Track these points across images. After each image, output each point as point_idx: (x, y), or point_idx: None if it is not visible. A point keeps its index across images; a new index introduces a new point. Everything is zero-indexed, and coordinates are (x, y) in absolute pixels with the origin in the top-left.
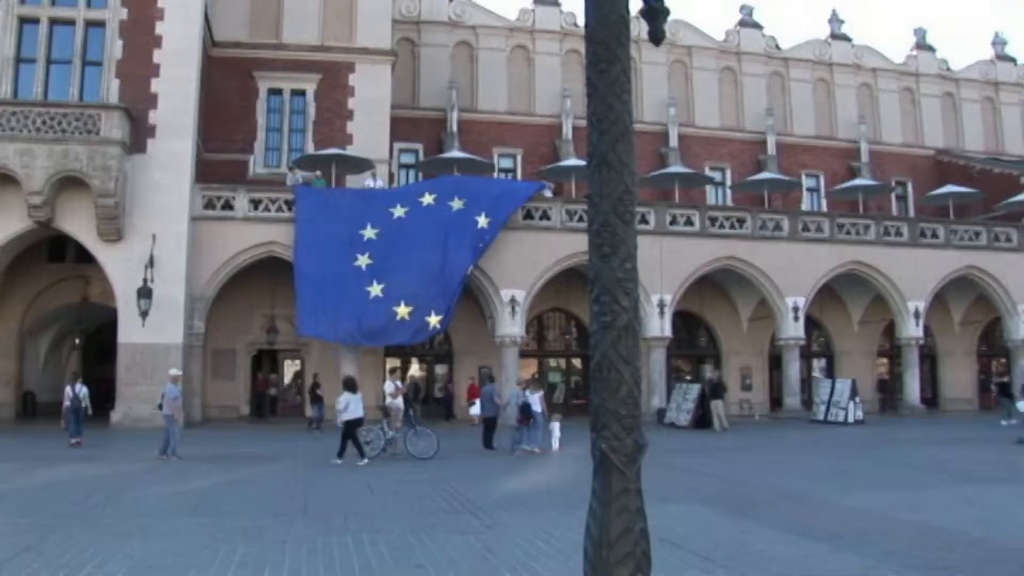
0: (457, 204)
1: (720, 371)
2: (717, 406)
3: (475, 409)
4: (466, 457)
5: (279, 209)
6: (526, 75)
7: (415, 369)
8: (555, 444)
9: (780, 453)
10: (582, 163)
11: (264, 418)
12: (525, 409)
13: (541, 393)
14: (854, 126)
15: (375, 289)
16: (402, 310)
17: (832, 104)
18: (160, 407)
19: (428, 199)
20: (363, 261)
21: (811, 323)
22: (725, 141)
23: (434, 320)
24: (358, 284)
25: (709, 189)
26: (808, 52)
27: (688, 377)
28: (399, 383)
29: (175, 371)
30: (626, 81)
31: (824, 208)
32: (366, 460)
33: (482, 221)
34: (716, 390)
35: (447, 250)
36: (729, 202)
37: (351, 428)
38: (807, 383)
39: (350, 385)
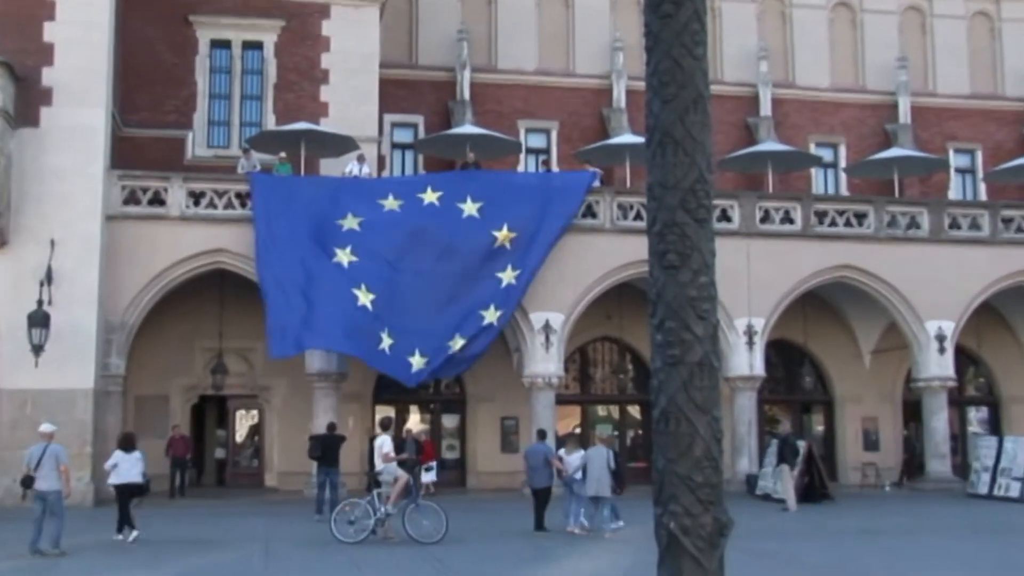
0: (469, 208)
1: (789, 425)
2: (782, 475)
3: (428, 476)
4: (486, 540)
5: (229, 205)
6: (563, 22)
7: (415, 420)
8: (613, 523)
9: (921, 538)
10: (639, 140)
11: (184, 495)
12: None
13: (581, 452)
14: None
15: (363, 296)
16: (385, 339)
17: (996, 49)
18: (25, 483)
19: (431, 196)
20: (344, 256)
21: (964, 357)
22: (838, 106)
23: (417, 363)
24: (339, 284)
25: (815, 173)
26: None
27: (784, 430)
28: (388, 438)
29: (47, 427)
30: (699, 29)
31: (982, 196)
32: (122, 537)
33: (501, 236)
34: (786, 451)
35: (452, 274)
36: (844, 190)
37: (123, 496)
38: (960, 441)
39: (126, 442)
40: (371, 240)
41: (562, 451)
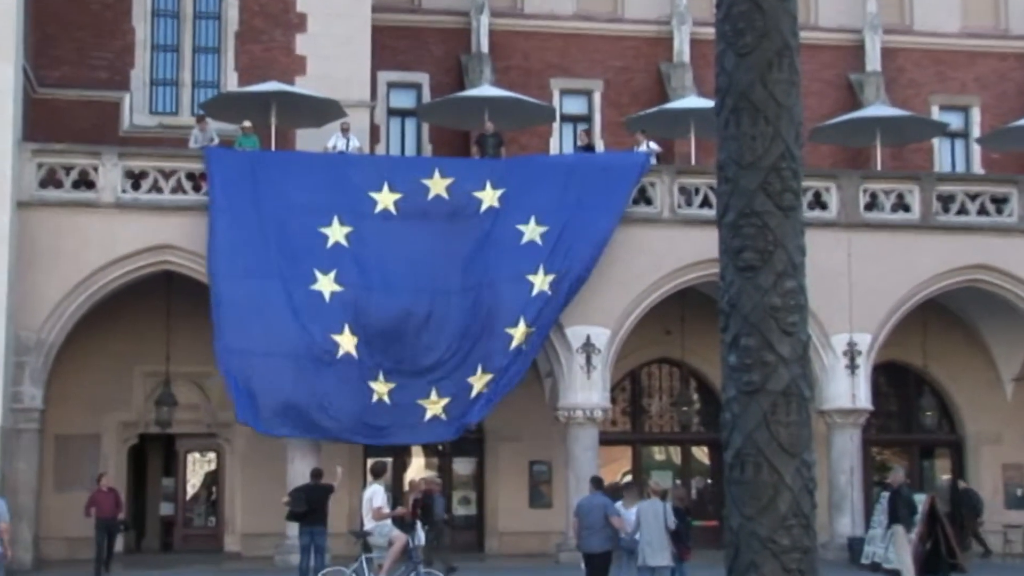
0: (488, 197)
1: (905, 473)
2: (896, 539)
3: (418, 538)
4: None
5: (178, 189)
6: None
7: (418, 467)
8: None
9: None
10: (707, 104)
11: (109, 570)
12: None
13: (667, 504)
14: None
15: (345, 340)
16: (380, 387)
17: None
18: None
19: (438, 185)
20: (325, 284)
21: None
22: (971, 57)
23: (434, 407)
24: (316, 326)
25: (938, 145)
26: None
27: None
28: (381, 489)
29: None
30: None
31: None
32: None
33: (528, 231)
34: (901, 507)
35: (468, 288)
36: (977, 167)
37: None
38: None
39: None
40: (361, 259)
41: (618, 504)
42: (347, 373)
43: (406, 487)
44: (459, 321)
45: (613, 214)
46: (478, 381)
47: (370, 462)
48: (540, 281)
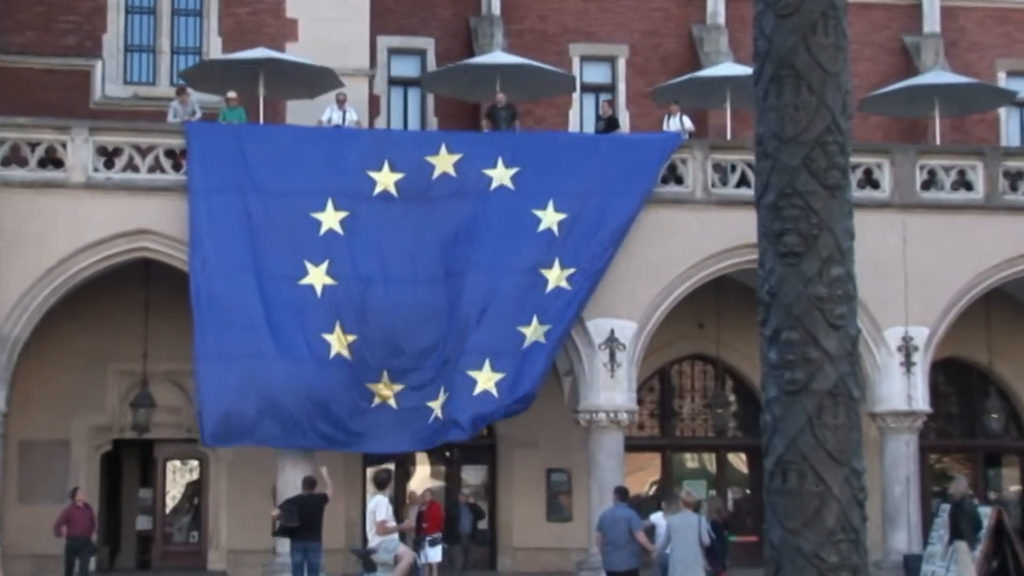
0: (500, 176)
1: (968, 483)
2: (958, 555)
3: (434, 553)
4: None
5: (155, 167)
6: None
7: (423, 475)
8: None
9: None
10: (745, 72)
11: None
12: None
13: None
14: None
15: (337, 340)
16: (383, 390)
17: None
18: None
19: (445, 162)
20: (316, 277)
21: None
22: None
23: (438, 406)
24: (305, 325)
25: (1005, 115)
26: None
27: (960, 490)
28: (385, 500)
29: None
30: None
31: None
32: None
33: (546, 218)
34: (963, 520)
35: (475, 275)
36: None
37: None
38: None
39: None
40: (357, 247)
41: (656, 516)
42: (340, 376)
43: (408, 498)
44: (465, 308)
45: (640, 198)
46: (483, 377)
47: (370, 471)
48: (556, 276)
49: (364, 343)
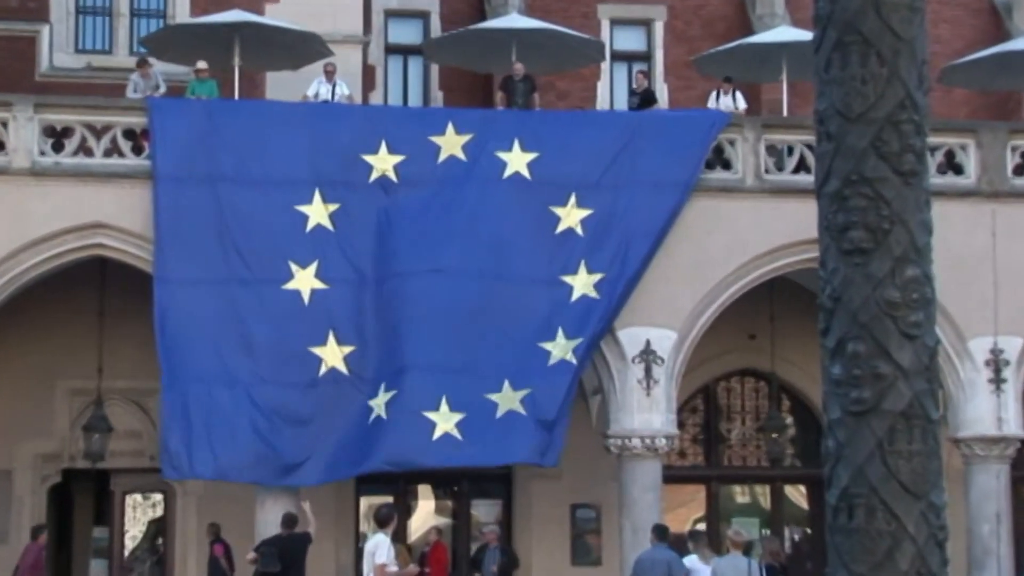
0: (515, 162)
1: None
2: None
3: None
4: None
5: (112, 150)
6: None
7: (426, 511)
8: None
9: None
10: (804, 38)
11: None
12: None
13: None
14: None
15: (331, 353)
16: (379, 402)
17: None
18: None
19: (452, 144)
20: (303, 280)
21: None
22: None
23: (444, 422)
24: (289, 339)
25: None
26: None
27: None
28: (387, 541)
29: None
30: None
31: None
32: None
33: (567, 215)
34: None
35: (486, 277)
36: None
37: None
38: None
39: None
40: (350, 244)
41: (691, 560)
42: (335, 394)
43: (410, 537)
44: (475, 316)
45: (680, 193)
46: (503, 399)
47: (364, 502)
48: (582, 283)
49: (363, 354)
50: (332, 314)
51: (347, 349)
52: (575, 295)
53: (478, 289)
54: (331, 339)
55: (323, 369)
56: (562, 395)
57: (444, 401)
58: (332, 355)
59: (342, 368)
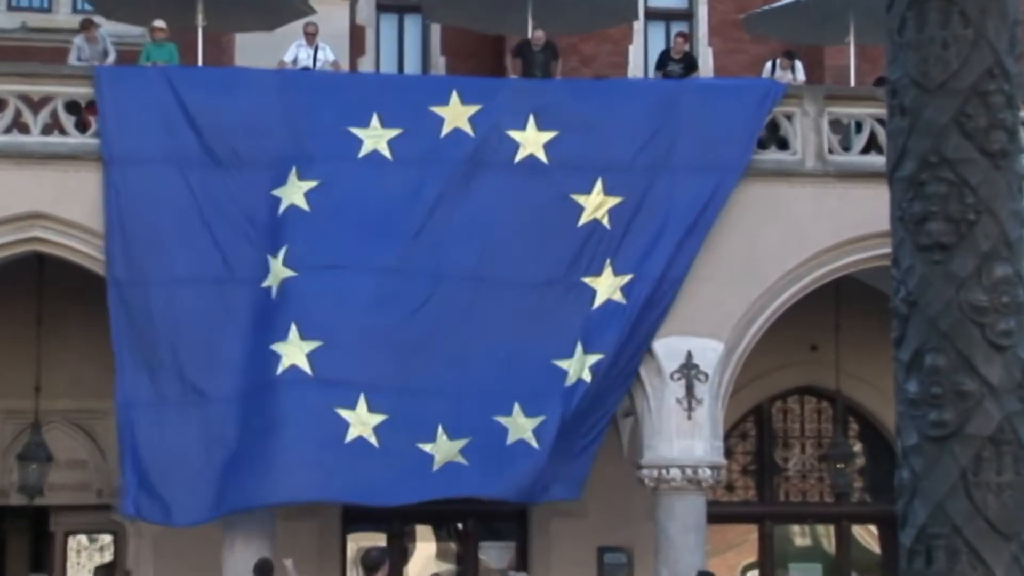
0: (529, 142)
1: None
2: None
3: None
4: None
5: (52, 127)
6: None
7: (426, 555)
8: None
9: None
10: None
11: None
12: None
13: None
14: None
15: (291, 349)
16: (360, 419)
17: None
18: None
19: (457, 115)
20: (274, 273)
21: None
22: None
23: (445, 452)
24: (261, 344)
25: None
26: None
27: None
28: None
29: None
30: None
31: None
32: None
33: (592, 204)
34: None
35: (494, 282)
36: None
37: None
38: None
39: None
40: (327, 226)
41: None
42: (297, 397)
43: None
44: (478, 326)
45: (727, 177)
46: (514, 425)
47: (351, 545)
48: (606, 287)
49: (331, 352)
50: (295, 305)
51: (311, 345)
52: (598, 301)
53: (482, 295)
54: (293, 332)
55: (281, 368)
56: (583, 423)
57: (441, 430)
58: (293, 352)
59: (304, 366)
